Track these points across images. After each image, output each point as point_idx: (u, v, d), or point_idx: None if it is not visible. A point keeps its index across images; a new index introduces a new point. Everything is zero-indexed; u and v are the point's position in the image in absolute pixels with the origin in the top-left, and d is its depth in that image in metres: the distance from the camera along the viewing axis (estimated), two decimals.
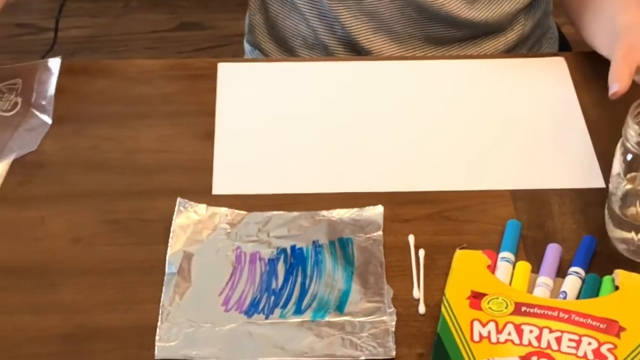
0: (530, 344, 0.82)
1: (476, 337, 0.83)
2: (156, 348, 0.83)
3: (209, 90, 1.09)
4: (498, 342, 0.83)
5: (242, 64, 1.14)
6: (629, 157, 0.87)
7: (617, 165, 0.89)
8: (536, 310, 0.85)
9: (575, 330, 0.83)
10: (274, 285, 0.88)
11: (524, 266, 0.89)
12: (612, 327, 0.83)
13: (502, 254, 0.90)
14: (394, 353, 0.83)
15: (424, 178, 0.98)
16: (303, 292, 0.88)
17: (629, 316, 0.84)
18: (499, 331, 0.83)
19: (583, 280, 0.88)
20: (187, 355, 0.83)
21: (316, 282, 0.88)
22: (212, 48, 2.31)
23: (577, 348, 0.82)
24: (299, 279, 0.89)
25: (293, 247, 0.91)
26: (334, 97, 1.08)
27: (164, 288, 0.88)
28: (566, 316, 0.84)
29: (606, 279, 0.88)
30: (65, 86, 1.07)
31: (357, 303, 0.86)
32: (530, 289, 0.87)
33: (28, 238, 0.93)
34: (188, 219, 0.94)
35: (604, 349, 0.82)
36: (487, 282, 0.87)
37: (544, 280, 0.88)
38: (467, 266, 0.89)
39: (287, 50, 1.23)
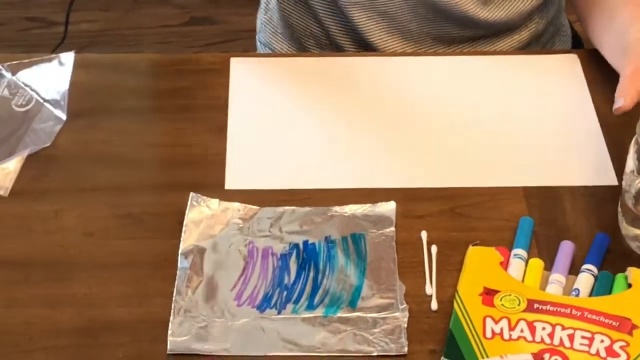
0: (542, 341, 0.82)
1: (489, 334, 0.83)
2: (168, 342, 0.83)
3: (221, 85, 1.09)
4: (510, 338, 0.83)
5: (255, 59, 1.14)
6: None
7: (630, 163, 0.89)
8: (549, 307, 0.84)
9: (588, 328, 0.83)
10: (286, 281, 0.88)
11: (537, 263, 0.89)
12: (625, 325, 0.83)
13: (514, 251, 0.90)
14: (406, 349, 0.83)
15: (437, 174, 0.98)
16: (315, 287, 0.88)
17: None
18: (511, 328, 0.83)
19: (596, 278, 0.88)
20: (199, 350, 0.83)
21: (328, 278, 0.89)
22: (222, 43, 2.31)
23: (589, 345, 0.82)
24: (311, 275, 0.89)
25: (305, 243, 0.91)
26: (347, 93, 1.08)
27: (176, 282, 0.88)
28: (579, 313, 0.84)
29: (619, 276, 0.88)
30: (78, 80, 1.07)
31: (369, 299, 0.86)
32: (543, 286, 0.87)
33: (41, 232, 0.93)
34: (201, 213, 0.94)
35: (616, 347, 0.82)
36: (499, 279, 0.87)
37: (557, 278, 0.88)
38: (479, 263, 0.89)
39: (299, 50, 1.23)
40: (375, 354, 0.83)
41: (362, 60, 1.12)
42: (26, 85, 1.07)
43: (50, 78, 1.07)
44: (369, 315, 0.85)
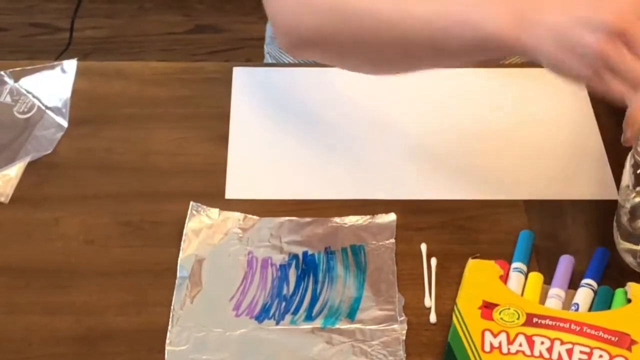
0: (541, 355, 0.82)
1: (487, 348, 0.83)
2: (166, 352, 0.83)
3: (223, 94, 1.09)
4: (509, 352, 0.82)
5: (258, 69, 1.14)
6: (639, 170, 0.87)
7: (626, 178, 0.88)
8: (548, 321, 0.84)
9: (587, 343, 0.83)
10: (285, 291, 0.88)
11: (536, 277, 0.89)
12: (624, 340, 0.83)
13: (514, 265, 0.90)
14: None
15: (437, 186, 0.98)
16: (314, 298, 0.88)
17: None
18: (510, 342, 0.83)
19: (595, 293, 0.88)
20: None
21: (327, 289, 0.88)
22: (227, 51, 2.31)
23: None
24: (310, 286, 0.89)
25: (305, 253, 0.91)
26: (349, 104, 1.08)
27: (175, 292, 0.88)
28: (578, 328, 0.84)
29: (618, 291, 0.88)
30: (80, 88, 1.07)
31: (368, 311, 0.86)
32: (542, 300, 0.87)
33: (42, 239, 0.93)
34: (200, 222, 0.94)
35: None
36: (499, 293, 0.87)
37: (556, 292, 0.88)
38: (479, 276, 0.89)
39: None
40: None
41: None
42: (28, 92, 1.07)
43: (52, 85, 1.07)
44: (367, 327, 0.85)
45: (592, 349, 0.82)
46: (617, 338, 0.83)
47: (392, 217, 0.94)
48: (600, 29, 0.80)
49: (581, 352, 0.82)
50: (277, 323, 0.86)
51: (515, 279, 0.89)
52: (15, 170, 0.99)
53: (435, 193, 0.98)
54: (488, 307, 0.86)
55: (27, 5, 2.36)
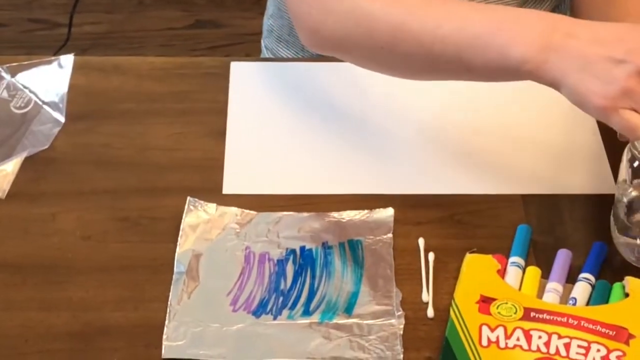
0: (539, 349, 0.82)
1: (484, 342, 0.83)
2: (163, 347, 0.83)
3: (221, 89, 1.09)
4: (507, 347, 0.82)
5: (255, 64, 1.13)
6: (636, 163, 0.87)
7: (623, 172, 0.88)
8: (545, 316, 0.84)
9: (585, 337, 0.83)
10: (282, 286, 0.88)
11: (534, 271, 0.89)
12: (622, 334, 0.83)
13: (512, 259, 0.90)
14: (401, 357, 0.82)
15: (435, 181, 0.98)
16: (312, 293, 0.88)
17: (639, 323, 0.83)
18: (507, 336, 0.83)
19: (593, 287, 0.88)
20: (194, 355, 0.83)
21: (325, 284, 0.88)
22: (226, 46, 2.31)
23: (586, 355, 0.82)
24: (308, 280, 0.89)
25: (302, 248, 0.91)
26: (347, 98, 1.07)
27: (172, 287, 0.88)
28: (575, 322, 0.84)
29: (616, 285, 0.87)
30: (78, 83, 1.07)
31: (365, 305, 0.86)
32: (540, 295, 0.87)
33: (39, 234, 0.93)
34: (198, 218, 0.94)
35: (612, 356, 0.81)
36: (496, 287, 0.87)
37: (554, 286, 0.87)
38: (476, 270, 0.89)
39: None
40: None
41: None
42: (25, 87, 1.07)
43: (49, 80, 1.07)
44: (364, 321, 0.85)
45: (589, 343, 0.82)
46: (614, 332, 0.83)
47: (389, 211, 0.94)
48: (629, 66, 0.80)
49: (579, 346, 0.82)
50: (275, 318, 0.85)
51: (512, 274, 0.89)
52: (12, 166, 0.99)
53: (433, 188, 0.98)
54: (486, 302, 0.85)
55: (26, 1, 2.36)
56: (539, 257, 0.91)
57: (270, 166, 1.00)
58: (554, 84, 0.84)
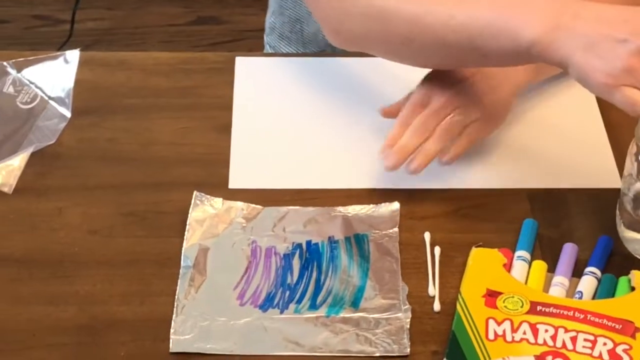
0: (545, 343, 0.82)
1: (491, 336, 0.83)
2: (171, 341, 0.83)
3: (226, 84, 1.09)
4: (513, 340, 0.82)
5: (260, 59, 1.14)
6: None
7: (629, 166, 0.88)
8: (552, 309, 0.84)
9: (591, 331, 0.83)
10: (289, 280, 0.88)
11: (540, 265, 0.89)
12: (628, 328, 0.83)
13: (518, 253, 0.90)
14: (408, 350, 0.83)
15: (441, 175, 0.98)
16: (318, 287, 0.88)
17: None
18: (514, 330, 0.83)
19: (599, 281, 0.88)
20: (201, 349, 0.83)
21: (331, 278, 0.89)
22: (228, 42, 2.31)
23: (592, 348, 0.82)
24: (314, 275, 0.89)
25: (308, 243, 0.91)
26: (352, 93, 1.07)
27: (179, 281, 0.88)
28: (582, 316, 0.84)
29: (622, 279, 0.88)
30: (83, 78, 1.07)
31: (372, 299, 0.86)
32: (546, 289, 0.87)
33: (45, 229, 0.93)
34: (204, 212, 0.94)
35: (619, 350, 0.82)
36: (502, 281, 0.87)
37: (560, 280, 0.88)
38: (483, 264, 0.89)
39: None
40: (377, 354, 0.83)
41: (368, 61, 1.11)
42: (31, 82, 1.07)
43: (55, 76, 1.07)
44: (371, 315, 0.85)
45: (596, 336, 0.82)
46: (621, 326, 0.83)
47: (395, 206, 0.94)
48: (632, 45, 0.82)
49: (585, 339, 0.82)
50: (281, 312, 0.86)
51: (519, 268, 0.89)
52: (18, 161, 0.99)
53: (439, 182, 0.98)
54: (492, 296, 0.86)
55: None
56: (545, 251, 0.91)
57: (276, 160, 1.00)
58: (562, 64, 0.86)
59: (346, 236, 0.92)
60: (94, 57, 1.12)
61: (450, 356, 0.82)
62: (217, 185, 0.97)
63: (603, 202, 0.95)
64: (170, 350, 0.83)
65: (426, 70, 0.99)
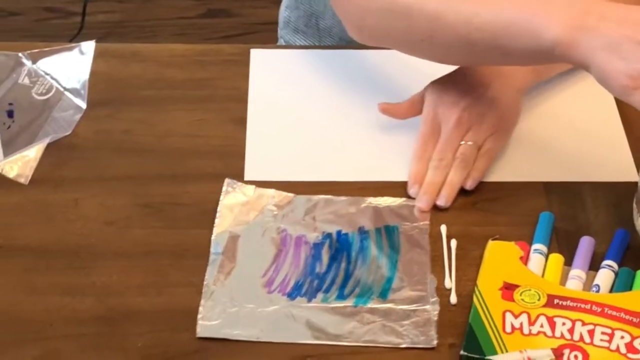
0: (562, 336, 0.82)
1: (508, 329, 0.83)
2: (198, 326, 0.84)
3: (241, 76, 1.09)
4: (530, 333, 0.82)
5: (275, 51, 1.13)
6: None
7: None
8: (569, 302, 0.84)
9: (608, 324, 0.83)
10: (318, 269, 0.88)
11: (557, 258, 0.89)
12: None
13: (534, 246, 0.90)
14: (435, 342, 0.83)
15: None
16: (347, 277, 0.88)
17: None
18: (531, 323, 0.83)
19: (616, 274, 0.88)
20: (228, 335, 0.83)
21: (360, 268, 0.89)
22: (239, 35, 2.31)
23: (609, 341, 0.82)
24: (343, 264, 0.89)
25: (339, 232, 0.91)
26: (368, 85, 1.07)
27: (208, 267, 0.88)
28: (599, 309, 0.84)
29: (639, 273, 0.87)
30: (98, 70, 1.07)
31: (400, 291, 0.86)
32: (563, 282, 0.87)
33: (61, 220, 0.93)
34: (235, 199, 0.94)
35: (636, 343, 0.81)
36: (519, 274, 0.87)
37: (577, 273, 0.87)
38: (499, 257, 0.89)
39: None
40: (404, 345, 0.83)
41: (384, 53, 1.11)
42: (46, 73, 1.07)
43: (70, 67, 1.07)
44: (399, 307, 0.85)
45: (613, 330, 0.82)
46: (638, 319, 0.83)
47: None
48: None
49: (602, 333, 0.82)
50: (309, 300, 0.86)
51: (535, 261, 0.89)
52: (34, 152, 0.99)
53: None
54: (509, 289, 0.85)
55: None
56: (562, 244, 0.91)
57: (292, 153, 1.00)
58: (584, 64, 0.85)
59: (376, 227, 0.92)
60: (109, 49, 1.12)
61: (467, 349, 0.82)
62: (233, 177, 0.97)
63: (620, 195, 0.95)
64: (198, 336, 0.83)
65: (445, 65, 0.98)
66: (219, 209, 0.93)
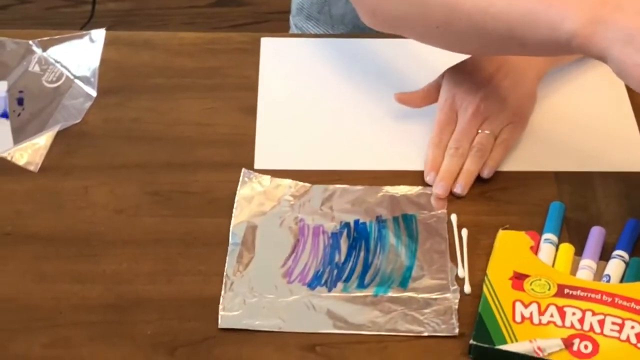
0: (572, 326, 0.82)
1: (518, 318, 0.82)
2: (220, 317, 0.84)
3: (251, 65, 1.08)
4: (540, 323, 0.82)
5: (285, 39, 1.13)
6: None
7: None
8: (579, 292, 0.84)
9: (619, 314, 0.82)
10: (337, 259, 0.88)
11: (567, 248, 0.89)
12: None
13: (545, 236, 0.89)
14: (457, 331, 0.83)
15: None
16: (366, 266, 0.88)
17: None
18: (541, 313, 0.83)
19: (627, 264, 0.87)
20: (249, 325, 0.83)
21: (379, 257, 0.88)
22: (250, 24, 2.30)
23: (620, 331, 0.81)
24: (362, 254, 0.89)
25: (357, 222, 0.91)
26: (379, 74, 1.07)
27: (227, 258, 0.88)
28: (609, 299, 0.83)
29: None
30: (108, 58, 1.07)
31: (420, 280, 0.86)
32: (574, 272, 0.87)
33: (71, 208, 0.93)
34: (252, 190, 0.94)
35: None
36: (529, 264, 0.87)
37: (588, 263, 0.87)
38: (509, 247, 0.88)
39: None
40: (426, 334, 0.82)
41: (396, 42, 1.11)
42: (57, 61, 1.07)
43: (80, 55, 1.07)
44: (420, 295, 0.85)
45: (624, 320, 0.82)
46: None
47: None
48: None
49: (613, 323, 0.82)
50: (330, 290, 0.86)
51: (546, 250, 0.88)
52: (44, 140, 0.99)
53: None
54: (519, 278, 0.85)
55: None
56: (572, 234, 0.91)
57: (302, 142, 1.00)
58: (601, 57, 0.85)
59: (394, 216, 0.92)
60: (119, 37, 1.12)
61: (477, 338, 0.81)
62: (243, 166, 0.97)
63: (631, 185, 0.95)
64: (219, 327, 0.83)
65: (457, 54, 0.98)
66: (236, 199, 0.93)
